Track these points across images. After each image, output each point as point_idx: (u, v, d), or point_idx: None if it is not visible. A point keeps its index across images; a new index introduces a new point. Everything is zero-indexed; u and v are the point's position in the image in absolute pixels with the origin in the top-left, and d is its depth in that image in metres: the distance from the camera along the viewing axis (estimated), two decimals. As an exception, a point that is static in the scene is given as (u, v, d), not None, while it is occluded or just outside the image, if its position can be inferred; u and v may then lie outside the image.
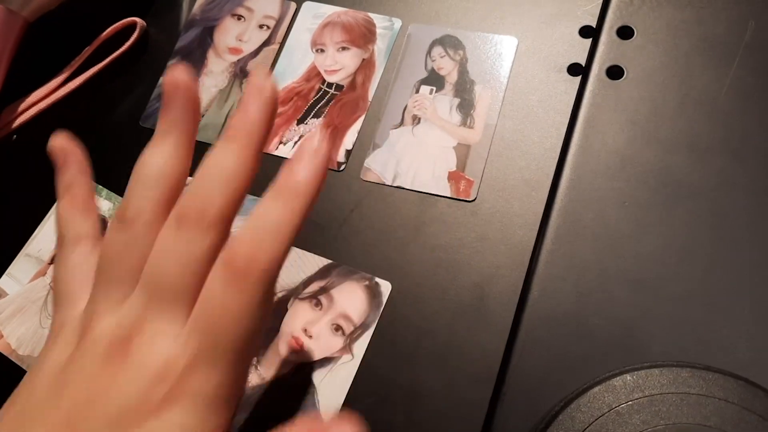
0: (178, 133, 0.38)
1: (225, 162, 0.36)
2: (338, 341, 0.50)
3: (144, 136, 0.59)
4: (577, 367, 0.47)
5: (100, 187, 0.57)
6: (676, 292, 0.48)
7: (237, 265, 0.34)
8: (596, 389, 0.44)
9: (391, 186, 0.54)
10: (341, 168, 0.55)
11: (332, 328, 0.50)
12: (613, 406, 0.43)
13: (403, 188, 0.54)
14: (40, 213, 0.58)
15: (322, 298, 0.51)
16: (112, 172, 0.58)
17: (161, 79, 0.61)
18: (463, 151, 0.54)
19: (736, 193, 0.50)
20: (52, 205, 0.57)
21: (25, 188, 0.59)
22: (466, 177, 0.53)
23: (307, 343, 0.50)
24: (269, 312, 0.38)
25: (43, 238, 0.56)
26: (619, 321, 0.48)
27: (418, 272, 0.51)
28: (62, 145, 0.43)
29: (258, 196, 0.36)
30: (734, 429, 0.42)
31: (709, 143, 0.52)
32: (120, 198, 0.56)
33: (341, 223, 0.53)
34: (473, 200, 0.53)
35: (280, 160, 0.56)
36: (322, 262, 0.52)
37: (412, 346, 0.49)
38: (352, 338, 0.50)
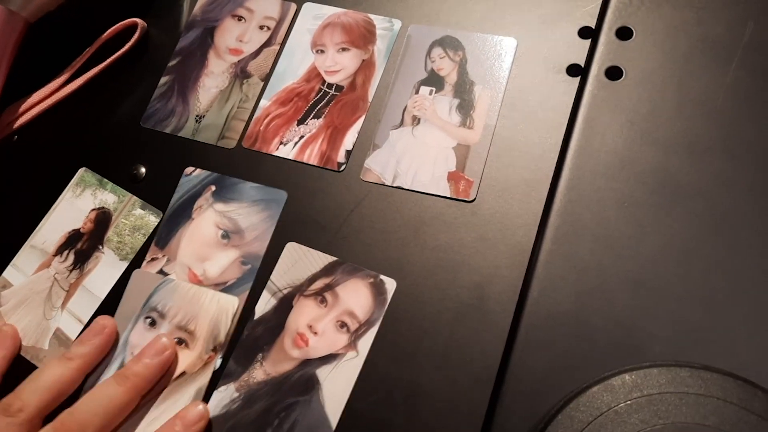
0: (83, 362, 0.50)
1: (112, 394, 0.48)
2: (343, 338, 0.50)
3: (145, 137, 0.60)
4: (577, 366, 0.47)
5: (105, 180, 0.58)
6: (675, 292, 0.48)
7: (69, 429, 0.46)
8: (595, 389, 0.44)
9: (391, 186, 0.54)
10: (341, 168, 0.56)
11: (337, 325, 0.50)
12: (612, 406, 0.43)
13: (403, 188, 0.54)
14: (43, 206, 0.58)
15: (327, 296, 0.51)
16: (113, 172, 0.58)
17: (163, 79, 0.61)
18: (462, 152, 0.55)
19: (735, 194, 0.50)
20: (56, 198, 0.58)
21: (28, 184, 0.59)
22: (466, 177, 0.54)
23: (312, 340, 0.50)
24: None
25: (48, 230, 0.57)
26: (618, 321, 0.48)
27: (417, 272, 0.51)
28: (103, 322, 0.52)
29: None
30: (733, 428, 0.42)
31: (708, 144, 0.52)
32: (126, 193, 0.57)
33: (341, 223, 0.54)
34: (473, 200, 0.53)
35: (280, 161, 0.56)
36: (327, 259, 0.53)
37: (413, 345, 0.49)
38: (357, 335, 0.50)
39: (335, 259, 0.53)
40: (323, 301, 0.51)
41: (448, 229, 0.52)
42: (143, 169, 0.58)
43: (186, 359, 0.51)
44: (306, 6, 0.63)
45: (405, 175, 0.54)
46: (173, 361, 0.50)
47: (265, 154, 0.57)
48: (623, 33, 0.57)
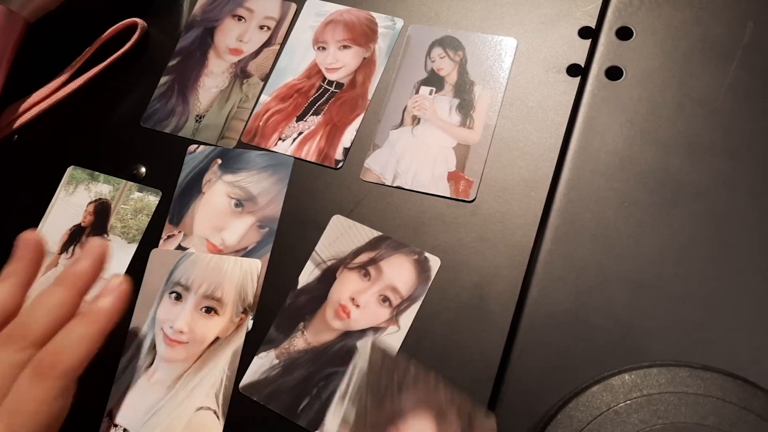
0: (18, 278, 0.48)
1: (52, 299, 0.46)
2: (385, 312, 0.50)
3: (145, 136, 0.60)
4: (576, 366, 0.47)
5: (97, 173, 0.58)
6: (674, 292, 0.48)
7: (41, 366, 0.43)
8: (595, 389, 0.44)
9: (390, 186, 0.54)
10: (339, 166, 0.56)
11: (380, 299, 0.51)
12: (612, 406, 0.43)
13: (403, 188, 0.54)
14: (44, 206, 0.58)
15: (371, 269, 0.52)
16: (113, 172, 0.58)
17: (163, 79, 0.61)
18: (462, 152, 0.55)
19: (735, 194, 0.50)
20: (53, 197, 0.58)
21: (28, 183, 0.59)
22: (466, 177, 0.54)
23: (354, 312, 0.51)
24: (67, 405, 0.44)
25: (48, 231, 0.57)
26: (618, 320, 0.48)
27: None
28: (27, 238, 0.50)
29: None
30: (732, 428, 0.42)
31: (708, 144, 0.52)
32: (119, 180, 0.57)
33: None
34: (473, 200, 0.53)
35: (279, 157, 0.56)
36: (373, 233, 0.53)
37: (413, 346, 0.49)
38: (399, 310, 0.50)
39: (380, 233, 0.53)
40: (367, 274, 0.52)
41: (448, 229, 0.52)
42: (143, 169, 0.58)
43: (218, 325, 0.52)
44: (309, 3, 0.63)
45: (405, 175, 0.55)
46: (108, 255, 0.49)
47: (264, 150, 0.57)
48: (623, 33, 0.57)
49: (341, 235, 0.53)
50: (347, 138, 0.57)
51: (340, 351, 0.50)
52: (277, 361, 0.50)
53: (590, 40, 0.57)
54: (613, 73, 0.55)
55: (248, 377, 0.50)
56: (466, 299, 0.50)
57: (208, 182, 0.56)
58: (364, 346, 0.49)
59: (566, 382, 0.46)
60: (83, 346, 0.45)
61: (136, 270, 0.54)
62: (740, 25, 0.55)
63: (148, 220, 0.56)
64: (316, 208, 0.54)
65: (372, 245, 0.53)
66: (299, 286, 0.52)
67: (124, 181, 0.57)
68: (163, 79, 0.62)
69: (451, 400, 0.45)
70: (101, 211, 0.57)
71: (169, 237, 0.55)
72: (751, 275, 0.48)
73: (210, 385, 0.50)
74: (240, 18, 0.63)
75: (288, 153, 0.57)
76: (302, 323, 0.51)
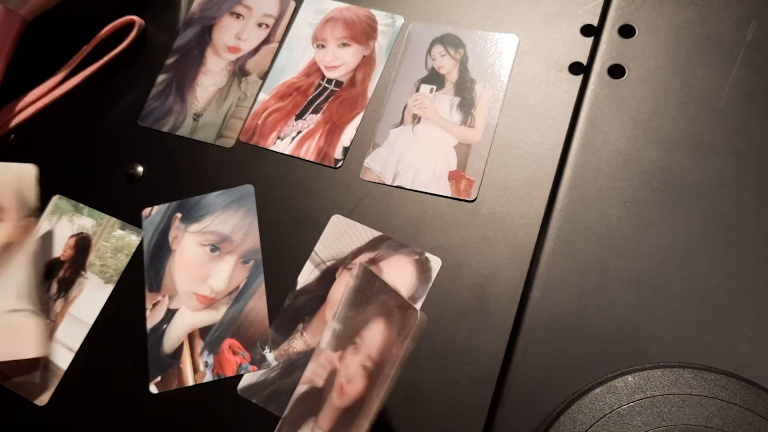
0: None
1: None
2: None
3: (142, 135, 0.59)
4: (579, 368, 0.46)
5: (82, 205, 0.57)
6: (678, 292, 0.48)
7: None
8: (598, 390, 0.44)
9: (391, 186, 0.54)
10: (338, 165, 0.55)
11: None
12: (615, 408, 0.43)
13: (404, 188, 0.54)
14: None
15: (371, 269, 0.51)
16: (110, 171, 0.58)
17: (160, 77, 0.61)
18: (463, 151, 0.54)
19: (738, 193, 0.50)
20: (50, 198, 0.57)
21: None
22: (467, 176, 0.53)
23: None
24: None
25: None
26: (621, 321, 0.47)
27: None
28: None
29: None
30: (736, 430, 0.41)
31: (711, 142, 0.52)
32: (103, 215, 0.56)
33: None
34: (474, 200, 0.53)
35: (277, 157, 0.56)
36: (373, 234, 0.53)
37: (414, 347, 0.49)
38: None
39: (381, 233, 0.53)
40: None
41: (449, 229, 0.52)
42: (140, 168, 0.57)
43: (3, 230, 0.52)
44: (308, 0, 0.62)
45: (405, 175, 0.54)
46: None
47: (262, 152, 0.57)
48: (626, 31, 0.56)
49: (341, 235, 0.53)
50: (347, 137, 0.56)
51: None
52: (276, 363, 0.50)
53: (592, 37, 0.56)
54: (616, 71, 0.55)
55: (246, 379, 0.49)
56: (468, 300, 0.50)
57: (175, 239, 0.55)
58: None
59: (569, 383, 0.45)
60: None
61: (110, 314, 0.53)
62: (744, 23, 0.55)
63: (128, 260, 0.55)
64: (316, 207, 0.54)
65: (372, 245, 0.52)
66: (298, 286, 0.52)
67: (108, 216, 0.56)
68: (161, 78, 0.61)
69: (397, 301, 0.43)
70: (82, 246, 0.56)
71: (155, 305, 0.53)
72: (754, 275, 0.48)
73: (11, 288, 0.51)
74: (238, 15, 0.62)
75: (287, 152, 0.56)
76: (301, 324, 0.51)
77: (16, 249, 0.52)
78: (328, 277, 0.52)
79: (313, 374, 0.46)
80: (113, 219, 0.56)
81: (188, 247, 0.54)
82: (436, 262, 0.51)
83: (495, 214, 0.52)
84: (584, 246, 0.50)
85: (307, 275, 0.52)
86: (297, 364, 0.49)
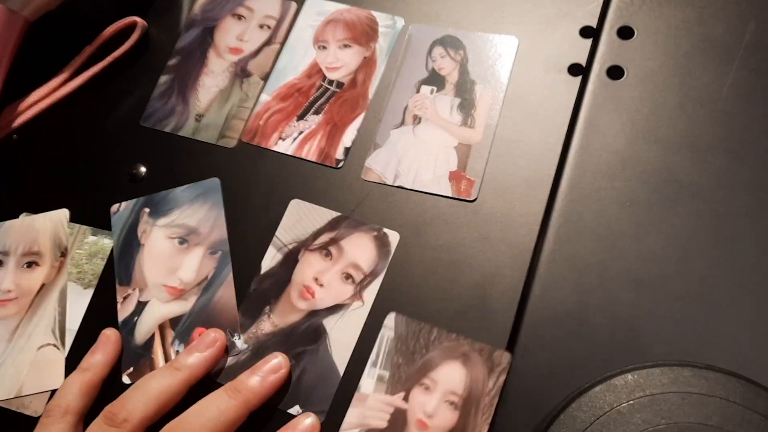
0: (190, 373, 0.48)
1: (222, 407, 0.46)
2: (348, 289, 0.51)
3: (144, 136, 0.59)
4: (579, 366, 0.47)
5: (86, 227, 0.57)
6: (677, 291, 0.48)
7: None
8: (597, 388, 0.44)
9: (392, 186, 0.54)
10: (339, 165, 0.55)
11: (342, 277, 0.51)
12: (615, 406, 0.43)
13: (404, 188, 0.54)
14: (43, 207, 0.58)
15: (332, 249, 0.52)
16: (112, 172, 0.58)
17: (162, 78, 0.61)
18: (464, 151, 0.54)
19: (736, 192, 0.50)
20: (55, 198, 0.58)
21: (27, 186, 0.59)
22: (467, 177, 0.53)
23: (319, 292, 0.51)
24: None
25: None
26: (621, 320, 0.48)
27: (418, 272, 0.51)
28: (107, 333, 0.52)
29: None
30: (736, 428, 0.42)
31: (709, 143, 0.52)
32: (74, 225, 0.57)
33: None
34: (474, 200, 0.53)
35: (279, 158, 0.56)
36: (331, 214, 0.54)
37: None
38: (362, 286, 0.51)
39: (339, 214, 0.54)
40: (328, 254, 0.52)
41: (450, 228, 0.52)
42: (143, 169, 0.58)
43: (41, 275, 0.55)
44: (309, 2, 0.63)
45: (406, 175, 0.54)
46: (286, 379, 0.49)
47: (264, 152, 0.57)
48: (625, 32, 0.56)
49: (300, 218, 0.54)
50: (348, 137, 0.56)
51: (308, 330, 0.50)
52: (246, 346, 0.51)
53: (591, 39, 0.57)
54: (615, 72, 0.55)
55: (218, 364, 0.50)
56: (468, 299, 0.50)
57: (143, 233, 0.55)
58: (330, 323, 0.50)
59: (569, 382, 0.46)
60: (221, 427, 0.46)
61: (93, 317, 0.54)
62: (742, 24, 0.55)
63: (104, 263, 0.55)
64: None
65: (331, 226, 0.53)
66: (262, 271, 0.53)
67: (78, 225, 0.57)
68: (163, 79, 0.61)
69: (473, 346, 0.48)
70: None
71: (125, 298, 0.54)
72: (754, 274, 0.48)
73: (45, 325, 0.53)
74: (240, 17, 0.63)
75: (289, 152, 0.56)
76: (268, 307, 0.52)
77: (50, 288, 0.55)
78: (291, 260, 0.53)
79: (367, 418, 0.48)
80: (83, 226, 0.57)
81: (157, 240, 0.55)
82: (394, 237, 0.52)
83: (495, 214, 0.52)
84: (584, 245, 0.50)
85: (270, 259, 0.53)
86: (266, 345, 0.50)
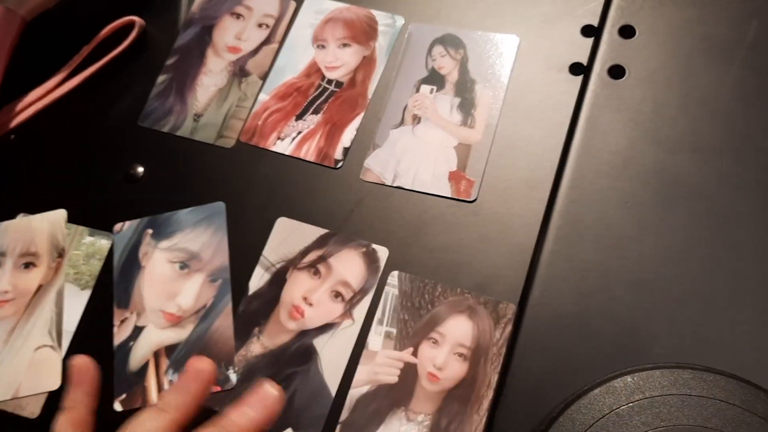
0: (179, 414, 0.42)
1: (149, 426, 0.41)
2: (338, 307, 0.51)
3: (142, 136, 0.59)
4: (578, 368, 0.46)
5: (83, 228, 0.56)
6: (677, 293, 0.48)
7: None
8: (597, 391, 0.44)
9: (391, 186, 0.54)
10: (338, 165, 0.55)
11: (332, 295, 0.51)
12: (614, 408, 0.43)
13: (404, 188, 0.54)
14: (42, 207, 0.57)
15: (321, 267, 0.52)
16: (109, 172, 0.58)
17: (160, 77, 0.61)
18: (463, 151, 0.54)
19: (738, 194, 0.50)
20: (55, 199, 0.57)
21: (24, 186, 0.59)
22: (467, 177, 0.53)
23: (308, 311, 0.51)
24: None
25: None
26: (621, 322, 0.47)
27: (418, 273, 0.51)
28: (79, 364, 0.46)
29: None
30: (735, 430, 0.41)
31: (711, 143, 0.52)
32: (70, 225, 0.56)
33: (341, 224, 0.53)
34: (474, 200, 0.53)
35: (277, 158, 0.56)
36: (319, 231, 0.53)
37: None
38: (351, 304, 0.51)
39: (327, 231, 0.53)
40: (317, 272, 0.52)
41: (450, 229, 0.52)
42: (141, 169, 0.57)
43: (38, 276, 0.55)
44: (308, 0, 0.62)
45: (405, 175, 0.54)
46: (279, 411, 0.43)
47: (262, 152, 0.57)
48: (626, 31, 0.56)
49: (288, 236, 0.53)
50: (347, 137, 0.56)
51: (298, 350, 0.50)
52: (236, 369, 0.50)
53: (593, 38, 0.56)
54: (616, 71, 0.55)
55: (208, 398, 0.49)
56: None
57: (145, 255, 0.55)
58: (320, 342, 0.50)
59: (568, 384, 0.45)
60: None
61: (90, 318, 0.53)
62: (744, 23, 0.55)
63: (101, 264, 0.55)
64: (316, 208, 0.54)
65: (319, 243, 0.53)
66: (250, 291, 0.52)
67: (75, 225, 0.56)
68: (161, 78, 0.61)
69: (478, 299, 0.49)
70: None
71: (122, 322, 0.53)
72: (753, 276, 0.48)
73: (42, 326, 0.53)
74: (238, 16, 0.62)
75: (287, 152, 0.56)
76: (257, 328, 0.51)
77: (47, 289, 0.54)
78: (278, 279, 0.52)
79: (377, 375, 0.48)
80: (81, 227, 0.56)
81: (158, 263, 0.54)
82: (383, 252, 0.52)
83: (495, 215, 0.52)
84: (584, 246, 0.50)
85: (258, 279, 0.52)
86: (257, 368, 0.50)
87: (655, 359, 0.46)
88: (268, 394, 0.42)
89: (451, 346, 0.48)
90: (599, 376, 0.45)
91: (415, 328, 0.49)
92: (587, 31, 0.57)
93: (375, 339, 0.49)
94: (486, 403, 0.46)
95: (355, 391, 0.48)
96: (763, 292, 0.47)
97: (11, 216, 0.57)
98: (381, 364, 0.48)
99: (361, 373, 0.48)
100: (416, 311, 0.49)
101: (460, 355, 0.48)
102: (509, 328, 0.48)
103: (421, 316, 0.49)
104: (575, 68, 0.56)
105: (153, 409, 0.43)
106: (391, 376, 0.48)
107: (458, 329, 0.48)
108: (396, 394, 0.48)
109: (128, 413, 0.49)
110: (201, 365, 0.44)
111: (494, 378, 0.47)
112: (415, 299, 0.50)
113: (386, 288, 0.50)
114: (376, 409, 0.48)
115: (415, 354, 0.48)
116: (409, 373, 0.48)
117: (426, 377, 0.48)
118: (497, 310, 0.48)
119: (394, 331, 0.49)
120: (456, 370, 0.47)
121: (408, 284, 0.50)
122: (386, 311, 0.50)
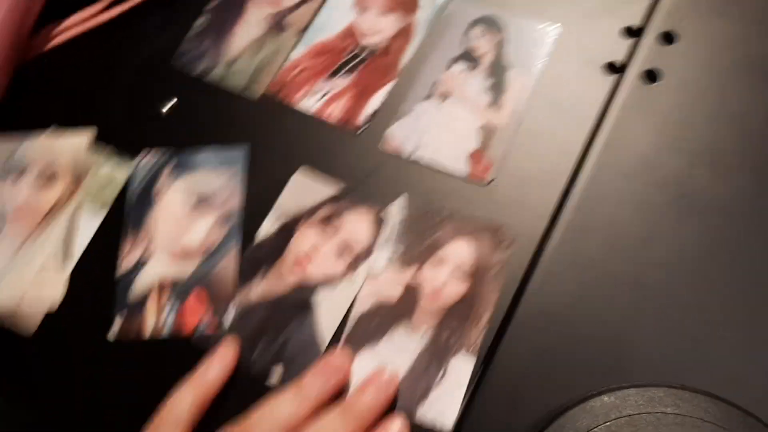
0: (317, 402, 0.45)
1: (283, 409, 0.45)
2: (341, 265, 0.51)
3: (173, 77, 0.59)
4: (557, 387, 0.46)
5: (103, 158, 0.58)
6: (669, 309, 0.47)
7: None
8: (573, 411, 0.44)
9: (408, 159, 0.54)
10: (360, 131, 0.55)
11: (337, 252, 0.52)
12: (592, 427, 0.43)
13: (420, 163, 0.54)
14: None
15: (330, 224, 0.53)
16: (137, 107, 0.59)
17: (199, 20, 0.61)
18: (487, 133, 0.54)
19: (751, 214, 0.49)
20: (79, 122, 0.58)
21: (56, 101, 0.60)
22: (486, 159, 0.53)
23: (311, 265, 0.51)
24: None
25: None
26: (606, 334, 0.47)
27: None
28: (227, 345, 0.49)
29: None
30: (710, 449, 0.41)
31: (734, 161, 0.51)
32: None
33: (351, 189, 0.53)
34: (489, 183, 0.52)
35: (298, 117, 0.56)
36: (335, 187, 0.54)
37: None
38: (356, 262, 0.51)
39: (343, 186, 0.54)
40: (326, 229, 0.52)
41: (461, 209, 0.52)
42: (165, 108, 0.58)
43: (54, 195, 0.56)
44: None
45: (425, 149, 0.54)
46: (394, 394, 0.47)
47: (285, 109, 0.57)
48: (667, 37, 0.55)
49: (302, 191, 0.54)
50: (372, 104, 0.56)
51: (296, 301, 0.51)
52: (233, 308, 0.51)
53: (633, 39, 0.56)
54: (651, 76, 0.54)
55: (202, 328, 0.51)
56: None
57: (160, 190, 0.56)
58: (319, 297, 0.50)
59: (546, 401, 0.45)
60: None
61: (98, 244, 0.55)
62: (789, 45, 0.54)
63: (115, 195, 0.56)
64: (330, 171, 0.54)
65: (333, 199, 0.53)
66: (258, 239, 0.53)
67: (96, 154, 0.57)
68: (200, 21, 0.61)
69: (478, 224, 0.51)
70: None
71: (129, 251, 0.54)
72: (735, 299, 0.47)
73: (51, 245, 0.54)
74: (284, -31, 0.62)
75: (312, 111, 0.56)
76: (260, 275, 0.52)
77: (61, 210, 0.56)
78: (287, 231, 0.53)
79: (377, 295, 0.50)
80: (101, 155, 0.57)
81: (171, 201, 0.55)
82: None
83: (507, 200, 0.52)
84: (590, 244, 0.50)
85: (267, 229, 0.53)
86: (255, 310, 0.51)
87: (635, 377, 0.45)
88: (387, 378, 0.47)
89: (452, 268, 0.50)
90: (579, 389, 0.45)
91: (417, 251, 0.51)
92: (628, 31, 0.56)
93: (378, 261, 0.51)
94: (485, 317, 0.48)
95: (358, 310, 0.50)
96: (740, 313, 0.47)
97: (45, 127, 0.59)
98: (384, 284, 0.50)
99: (364, 292, 0.50)
100: (420, 235, 0.51)
101: (462, 274, 0.49)
102: (509, 251, 0.50)
103: (423, 240, 0.51)
104: (610, 67, 0.55)
105: (296, 394, 0.46)
106: (394, 295, 0.50)
107: (459, 252, 0.50)
108: (398, 311, 0.49)
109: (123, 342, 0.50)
110: (340, 361, 0.48)
111: (495, 296, 0.49)
112: (419, 224, 0.51)
113: (392, 210, 0.52)
114: (379, 323, 0.49)
115: (417, 275, 0.50)
116: (412, 292, 0.50)
117: (428, 296, 0.49)
118: (497, 234, 0.50)
119: (397, 253, 0.51)
120: (457, 288, 0.49)
121: (413, 209, 0.52)
122: (391, 234, 0.51)
